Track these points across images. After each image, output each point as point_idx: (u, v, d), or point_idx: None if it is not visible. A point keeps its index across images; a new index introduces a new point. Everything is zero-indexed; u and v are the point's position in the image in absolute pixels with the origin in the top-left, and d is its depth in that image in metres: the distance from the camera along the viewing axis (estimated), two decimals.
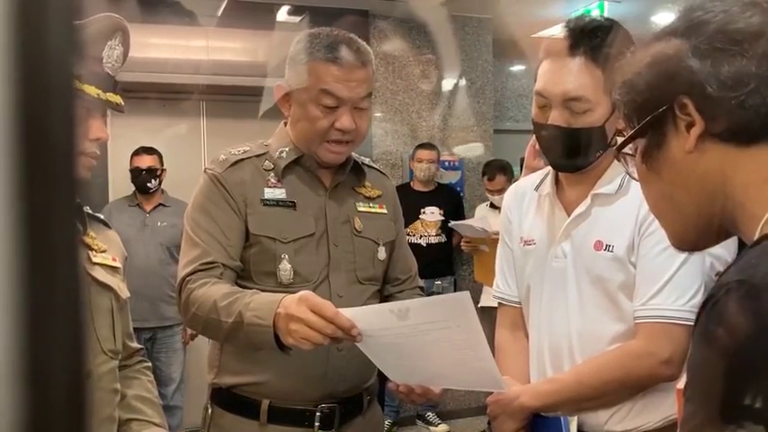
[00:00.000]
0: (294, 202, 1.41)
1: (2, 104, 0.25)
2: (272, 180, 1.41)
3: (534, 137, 1.43)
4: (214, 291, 1.28)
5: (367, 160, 1.57)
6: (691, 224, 0.74)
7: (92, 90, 1.12)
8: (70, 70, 0.27)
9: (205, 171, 1.42)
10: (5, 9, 0.26)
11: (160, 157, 3.71)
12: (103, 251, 1.29)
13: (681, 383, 0.75)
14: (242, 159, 1.42)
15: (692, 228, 0.75)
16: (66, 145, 0.27)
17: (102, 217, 1.40)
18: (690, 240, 0.77)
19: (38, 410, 0.26)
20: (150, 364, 1.52)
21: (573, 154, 1.27)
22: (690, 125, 0.70)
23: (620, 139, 0.83)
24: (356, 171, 1.50)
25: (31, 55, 0.26)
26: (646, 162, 0.77)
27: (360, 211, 1.48)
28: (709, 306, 0.63)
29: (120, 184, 4.01)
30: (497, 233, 3.58)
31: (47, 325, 0.26)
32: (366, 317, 1.16)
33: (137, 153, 3.69)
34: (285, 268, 1.37)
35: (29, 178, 0.26)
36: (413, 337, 1.14)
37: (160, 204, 3.70)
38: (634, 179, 0.81)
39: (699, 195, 0.72)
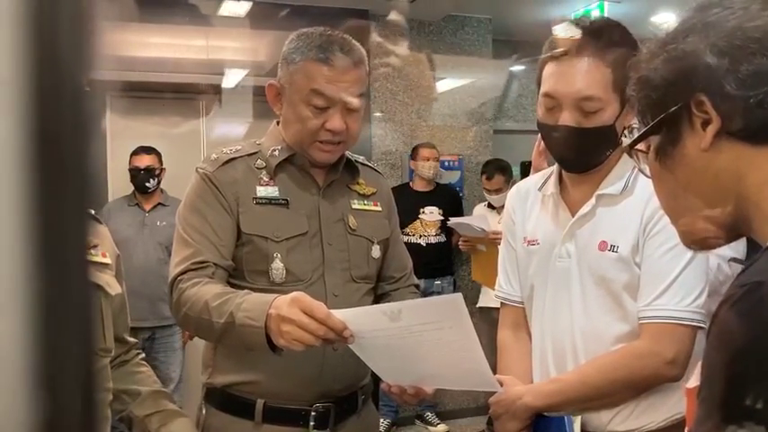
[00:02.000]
0: (287, 200, 1.40)
1: (16, 109, 0.25)
2: (265, 178, 1.41)
3: (540, 138, 1.43)
4: (206, 291, 1.27)
5: (361, 158, 1.56)
6: (702, 223, 0.74)
7: None
8: (82, 77, 0.27)
9: (197, 170, 1.41)
10: (19, 17, 0.26)
11: (159, 156, 3.70)
12: (94, 246, 1.28)
13: (690, 383, 0.74)
14: (234, 158, 1.41)
15: (704, 227, 0.74)
16: (78, 148, 0.27)
17: (92, 212, 1.39)
18: (701, 240, 0.76)
19: (52, 413, 0.26)
20: (143, 354, 1.54)
21: (585, 154, 1.27)
22: (706, 123, 0.70)
23: (625, 140, 0.83)
24: (350, 169, 1.49)
25: (44, 62, 0.26)
26: (659, 159, 0.76)
27: (354, 209, 1.47)
28: (727, 306, 0.62)
29: (119, 183, 4.01)
30: (496, 233, 3.59)
31: (60, 330, 0.26)
32: (358, 318, 1.16)
33: (135, 153, 3.68)
34: (277, 267, 1.36)
35: (41, 183, 0.26)
36: (405, 339, 1.14)
37: (159, 204, 3.70)
38: (646, 176, 0.81)
39: (712, 194, 0.72)
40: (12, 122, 0.24)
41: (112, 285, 1.32)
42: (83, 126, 0.26)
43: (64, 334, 0.26)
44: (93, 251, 1.28)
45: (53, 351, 0.25)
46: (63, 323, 0.26)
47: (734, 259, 1.24)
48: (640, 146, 0.79)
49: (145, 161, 3.64)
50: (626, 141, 0.83)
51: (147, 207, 3.68)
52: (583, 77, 1.22)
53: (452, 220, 4.02)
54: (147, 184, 3.63)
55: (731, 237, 0.75)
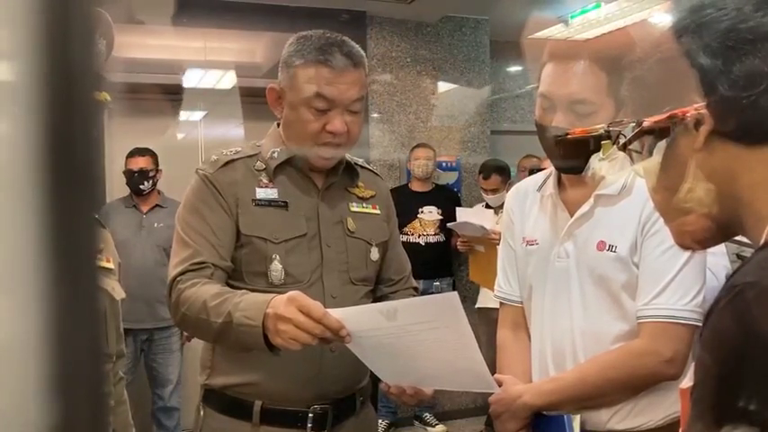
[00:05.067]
0: (286, 203, 1.40)
1: (28, 114, 0.25)
2: (264, 180, 1.41)
3: None
4: (204, 291, 1.27)
5: (360, 161, 1.56)
6: (696, 223, 0.74)
7: None
8: (92, 84, 0.27)
9: (197, 171, 1.42)
10: (32, 27, 0.26)
11: (154, 158, 3.69)
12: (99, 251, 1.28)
13: (684, 383, 0.75)
14: (233, 160, 1.41)
15: (697, 227, 0.74)
16: (89, 155, 0.27)
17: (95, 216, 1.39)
18: (694, 240, 0.76)
19: (63, 416, 0.26)
20: (125, 377, 1.52)
21: (577, 156, 1.27)
22: (698, 123, 0.69)
23: (622, 141, 0.83)
24: (349, 171, 1.50)
25: (55, 67, 0.26)
26: (667, 148, 0.74)
27: (353, 212, 1.48)
28: (719, 307, 0.62)
29: (117, 185, 4.00)
30: (495, 233, 3.58)
31: (71, 334, 0.26)
32: (355, 317, 1.16)
33: (130, 155, 3.67)
34: (276, 269, 1.36)
35: (53, 188, 0.26)
36: (402, 338, 1.15)
37: (157, 205, 3.70)
38: (640, 176, 0.81)
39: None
40: (24, 127, 0.25)
41: (117, 290, 1.31)
42: (93, 130, 0.27)
43: (75, 338, 0.26)
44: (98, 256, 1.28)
45: (64, 355, 0.25)
46: (74, 327, 0.26)
47: (733, 240, 1.22)
48: (635, 146, 0.79)
49: (139, 163, 3.64)
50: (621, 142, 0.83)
51: (145, 209, 3.68)
52: (577, 80, 1.23)
53: (452, 223, 4.02)
54: (142, 187, 3.62)
55: (724, 237, 0.75)
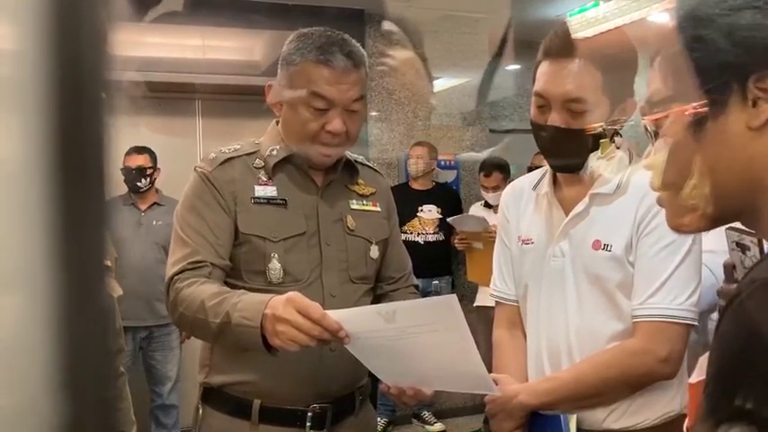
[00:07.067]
0: (285, 200, 1.40)
1: (37, 115, 0.26)
2: (263, 178, 1.40)
3: None
4: (202, 290, 1.27)
5: (360, 158, 1.56)
6: (704, 204, 0.69)
7: None
8: (101, 82, 0.28)
9: (195, 169, 1.41)
10: (43, 29, 0.26)
11: (151, 156, 3.70)
12: None
13: (692, 378, 0.74)
14: (232, 158, 1.41)
15: (704, 208, 0.69)
16: (98, 153, 0.27)
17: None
18: (689, 221, 0.71)
19: (75, 413, 0.26)
20: (125, 374, 1.51)
21: (572, 155, 1.27)
22: (757, 100, 0.64)
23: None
24: (349, 169, 1.49)
25: (65, 66, 0.26)
26: (692, 132, 0.68)
27: (353, 209, 1.47)
28: (736, 303, 0.60)
29: (116, 183, 4.00)
30: (496, 227, 3.57)
31: (81, 332, 0.26)
32: (354, 319, 1.16)
33: (128, 153, 3.68)
34: (275, 267, 1.36)
35: (63, 186, 0.26)
36: (401, 340, 1.14)
37: (155, 203, 3.70)
38: (648, 170, 0.74)
39: (736, 177, 0.67)
40: (32, 124, 0.25)
41: (115, 288, 1.31)
42: (101, 128, 0.27)
43: (85, 336, 0.26)
44: None
45: (75, 353, 0.25)
46: (84, 325, 0.26)
47: (732, 228, 1.19)
48: (659, 114, 0.71)
49: (136, 161, 3.64)
50: (637, 113, 0.76)
51: (143, 207, 3.68)
52: (572, 79, 1.23)
53: (452, 218, 4.02)
54: (139, 184, 3.63)
55: (719, 223, 0.72)
